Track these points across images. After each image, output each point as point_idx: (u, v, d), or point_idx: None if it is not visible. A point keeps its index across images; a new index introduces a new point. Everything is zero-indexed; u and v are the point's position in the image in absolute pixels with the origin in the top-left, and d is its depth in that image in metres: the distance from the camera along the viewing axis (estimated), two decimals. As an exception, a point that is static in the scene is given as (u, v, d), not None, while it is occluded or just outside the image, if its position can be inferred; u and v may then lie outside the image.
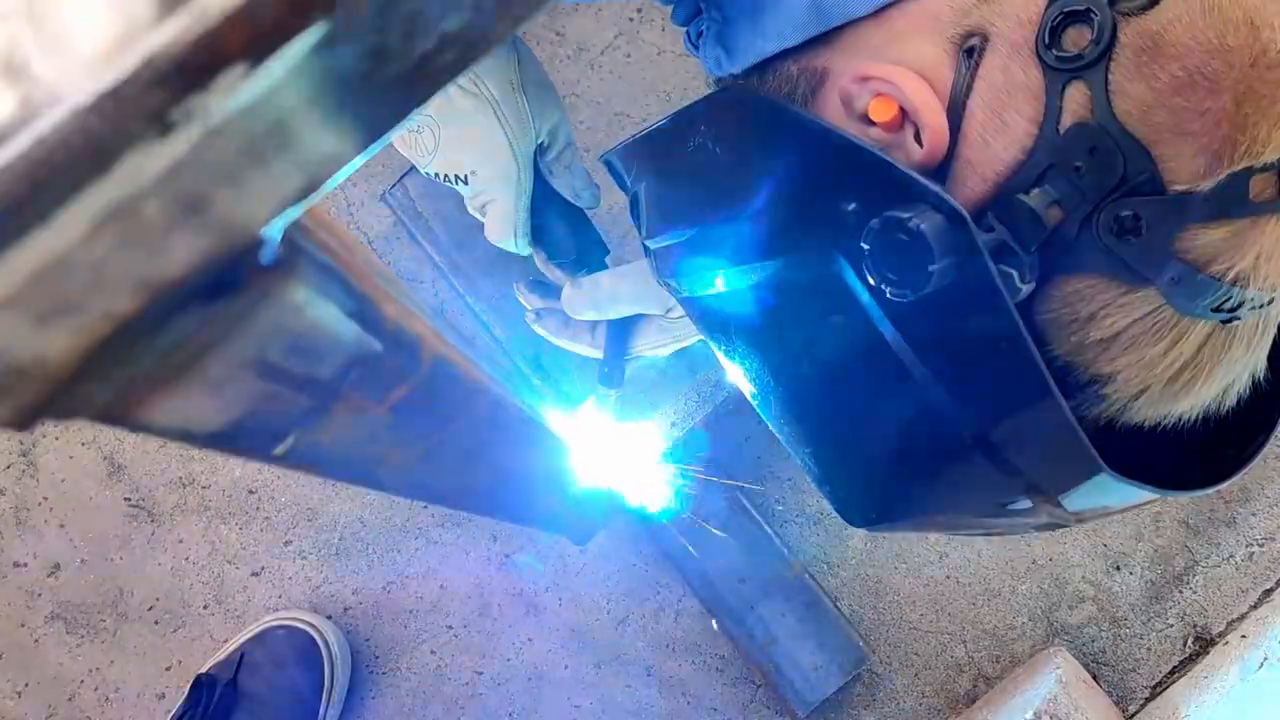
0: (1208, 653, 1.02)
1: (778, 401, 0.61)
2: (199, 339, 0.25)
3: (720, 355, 0.64)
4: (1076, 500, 0.47)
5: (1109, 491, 0.46)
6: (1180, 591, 1.05)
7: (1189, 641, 1.03)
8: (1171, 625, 1.04)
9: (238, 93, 0.20)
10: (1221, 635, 1.03)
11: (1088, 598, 1.06)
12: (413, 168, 1.09)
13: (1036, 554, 1.07)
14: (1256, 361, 0.49)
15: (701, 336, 0.78)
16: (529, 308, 0.93)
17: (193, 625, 1.08)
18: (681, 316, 0.81)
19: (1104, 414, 0.49)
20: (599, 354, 0.88)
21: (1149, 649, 1.04)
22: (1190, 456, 0.53)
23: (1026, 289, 0.46)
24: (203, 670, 1.01)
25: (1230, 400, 0.50)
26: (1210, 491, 0.50)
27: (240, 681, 0.99)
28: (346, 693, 1.05)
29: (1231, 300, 0.44)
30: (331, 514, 1.10)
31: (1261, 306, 0.45)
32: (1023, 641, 1.06)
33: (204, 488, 1.11)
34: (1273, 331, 0.50)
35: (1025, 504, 0.49)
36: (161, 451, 1.12)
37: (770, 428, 0.63)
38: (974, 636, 1.06)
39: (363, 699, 1.07)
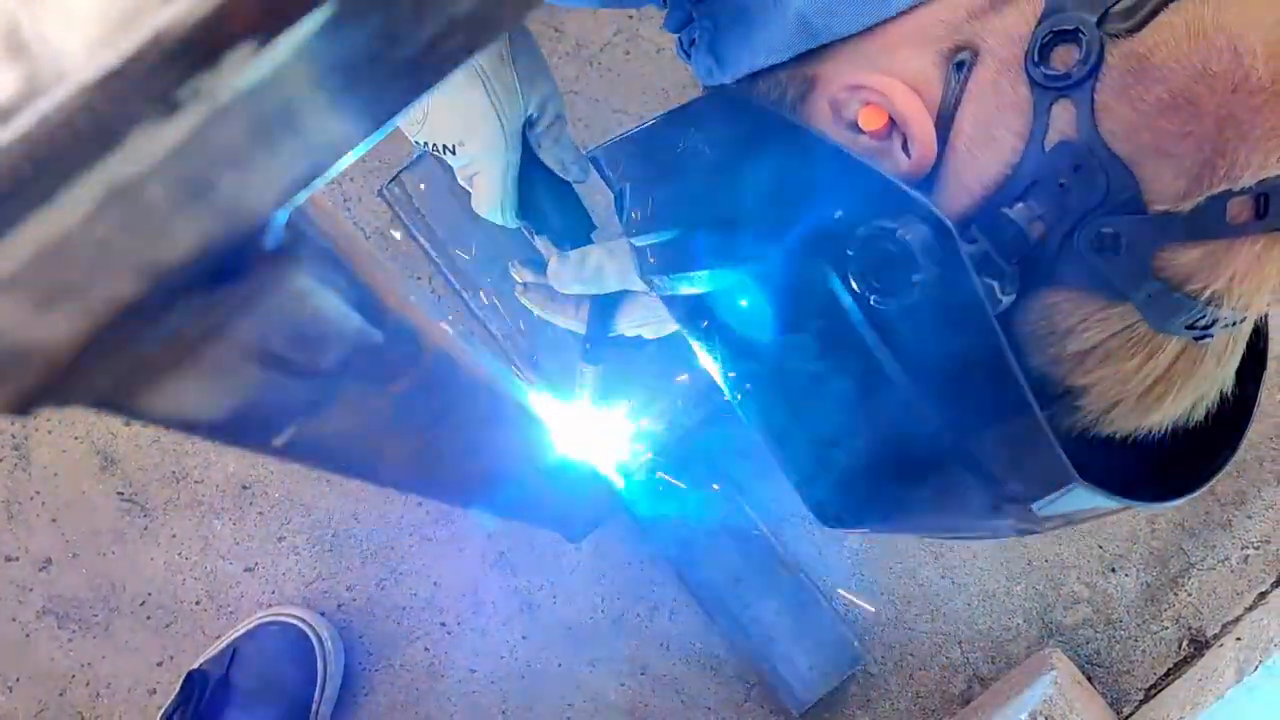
0: (1202, 655, 1.02)
1: (755, 401, 0.61)
2: (201, 325, 0.25)
3: (700, 352, 0.64)
4: (1047, 507, 0.48)
5: (1078, 500, 0.47)
6: (1175, 594, 1.05)
7: (1184, 644, 1.03)
8: (1166, 628, 1.04)
9: (245, 73, 0.20)
10: (1216, 638, 1.03)
11: (1083, 599, 1.06)
12: (410, 163, 1.09)
13: (1032, 555, 1.07)
14: (1225, 377, 0.51)
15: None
16: (519, 281, 0.93)
17: (185, 620, 1.08)
18: None
19: (1077, 425, 0.50)
20: (583, 329, 0.89)
21: (1144, 651, 1.04)
22: (1160, 467, 0.54)
23: (1007, 300, 0.46)
24: (195, 666, 1.00)
25: (1199, 414, 0.51)
26: (1178, 503, 0.51)
27: (232, 677, 0.98)
28: (339, 689, 1.04)
29: (1205, 319, 0.45)
30: (325, 509, 1.10)
31: (1233, 325, 0.47)
32: (1018, 643, 1.06)
33: (197, 482, 1.11)
34: (1242, 348, 0.51)
35: (997, 509, 0.50)
36: (155, 446, 1.11)
37: (746, 424, 0.63)
38: (969, 637, 1.06)
39: (356, 695, 1.06)
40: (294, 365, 0.29)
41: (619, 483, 0.90)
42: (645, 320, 0.86)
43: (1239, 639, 0.98)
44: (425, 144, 0.77)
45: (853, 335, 0.48)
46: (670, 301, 0.65)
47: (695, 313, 0.62)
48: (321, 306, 0.28)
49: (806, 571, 1.03)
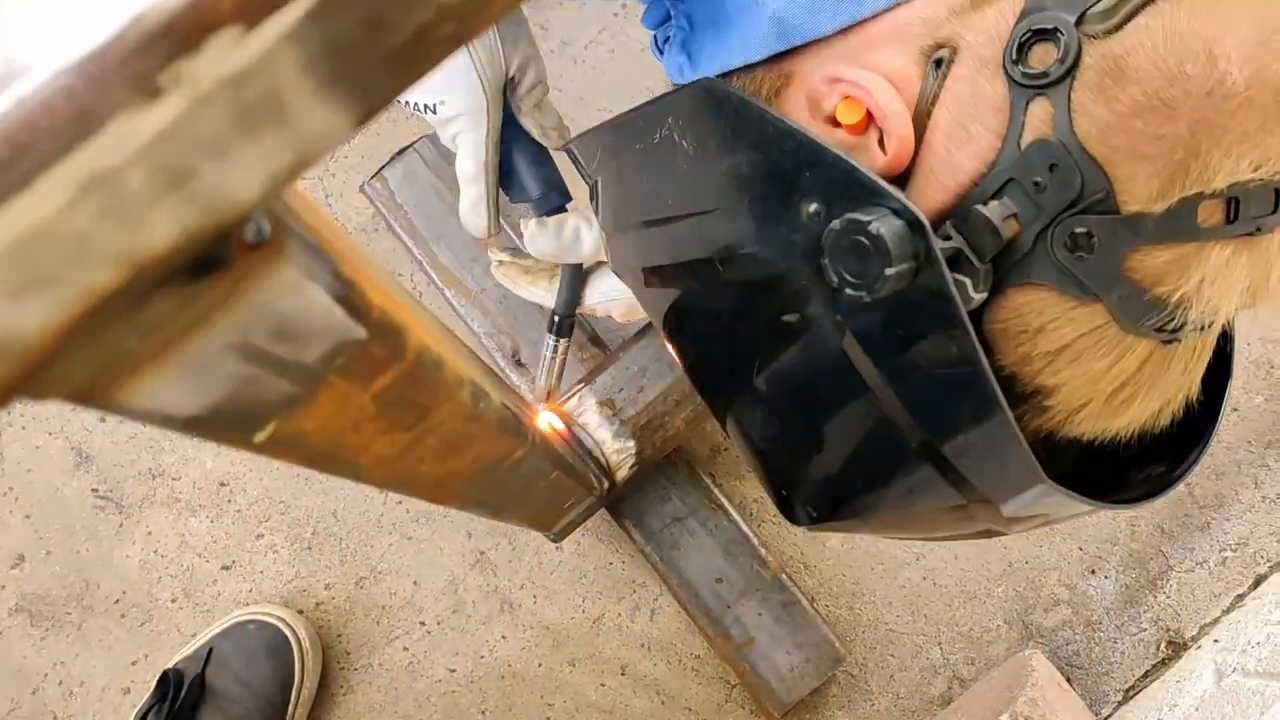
0: (1180, 657, 1.02)
1: (725, 396, 0.62)
2: (182, 318, 0.24)
3: (671, 346, 0.64)
4: (1014, 509, 0.48)
5: (1046, 501, 0.47)
6: (1154, 596, 1.05)
7: (1162, 645, 1.04)
8: (1145, 629, 1.05)
9: (229, 58, 0.19)
10: (1194, 640, 1.03)
11: (1063, 601, 1.06)
12: (392, 158, 1.08)
13: (1013, 557, 1.07)
14: (1191, 383, 0.51)
15: None
16: (494, 258, 0.93)
17: (160, 619, 1.07)
18: None
19: (1045, 426, 0.50)
20: (552, 303, 0.89)
21: (1123, 653, 1.04)
22: (1126, 472, 0.54)
23: (979, 298, 0.47)
24: (170, 665, 0.99)
25: (1165, 419, 0.51)
26: (1145, 505, 0.51)
27: (208, 676, 0.97)
28: (317, 689, 1.03)
29: (1174, 321, 0.45)
30: (304, 507, 1.09)
31: (1201, 329, 0.46)
32: (998, 644, 1.06)
33: (174, 479, 1.09)
34: (1208, 354, 0.51)
35: (964, 510, 0.50)
36: (131, 442, 1.10)
37: (715, 419, 0.64)
38: (949, 638, 1.06)
39: (333, 695, 1.05)
40: (276, 360, 0.29)
41: (601, 479, 0.89)
42: (617, 294, 0.86)
43: (1217, 641, 0.99)
44: (407, 103, 0.77)
45: (823, 330, 0.48)
46: (643, 294, 0.65)
47: (669, 306, 0.62)
48: (305, 300, 0.28)
49: (788, 572, 1.03)
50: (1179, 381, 0.50)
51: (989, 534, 0.54)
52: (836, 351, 0.48)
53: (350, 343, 0.31)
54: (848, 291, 0.45)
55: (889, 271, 0.42)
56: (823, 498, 0.58)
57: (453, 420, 0.44)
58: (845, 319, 0.47)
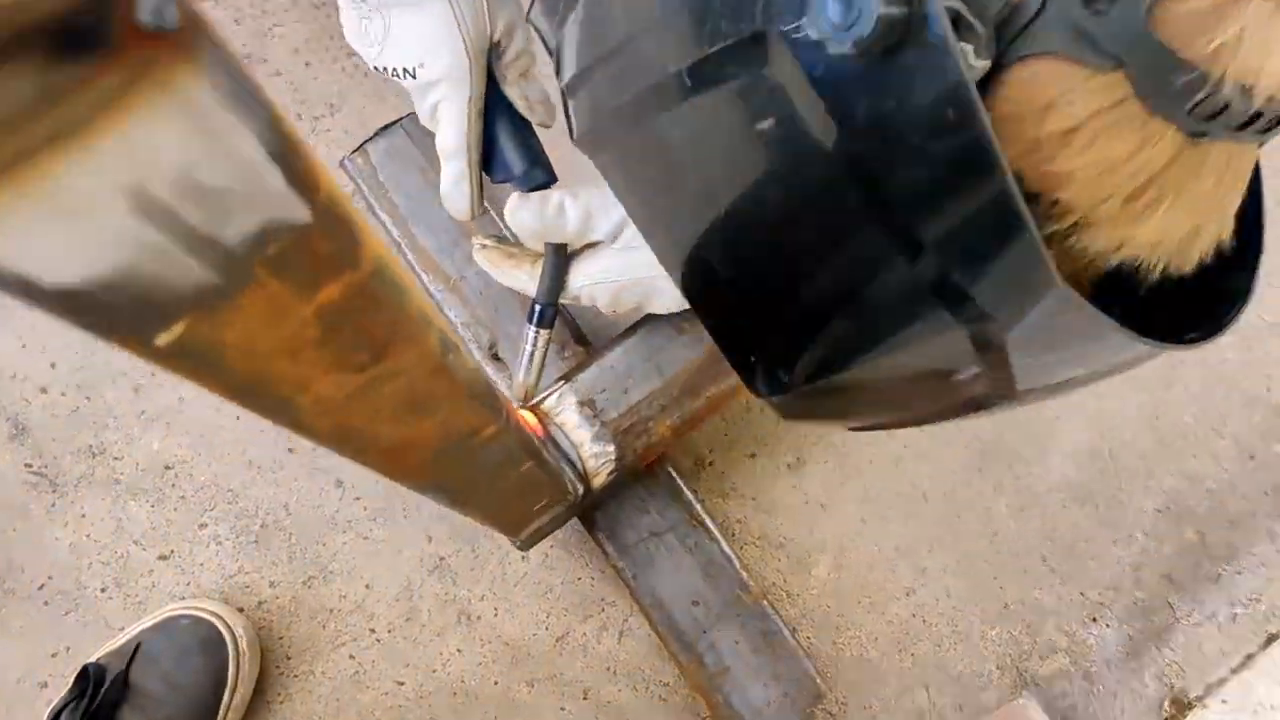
0: (1185, 717, 0.96)
1: (688, 245, 0.56)
2: (40, 122, 0.17)
3: (633, 208, 0.60)
4: (1020, 339, 0.42)
5: (1061, 333, 0.41)
6: (1159, 649, 0.99)
7: (1165, 704, 0.97)
8: (1148, 685, 0.98)
9: None
10: (1200, 699, 0.97)
11: (1061, 649, 0.99)
12: (375, 134, 1.02)
13: (1009, 598, 1.00)
14: (1224, 211, 0.45)
15: (644, 274, 0.76)
16: (476, 242, 0.87)
17: (87, 609, 0.98)
18: (626, 248, 0.76)
19: (1060, 229, 0.44)
20: (534, 291, 0.83)
21: (1122, 709, 0.98)
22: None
23: (981, 65, 0.41)
24: (92, 659, 0.91)
25: (1194, 254, 0.45)
26: (1173, 347, 0.44)
27: (133, 674, 0.89)
28: (251, 694, 0.95)
29: (1205, 95, 0.39)
30: (254, 498, 1.01)
31: (1239, 128, 0.40)
32: (989, 690, 0.99)
33: (116, 459, 1.01)
34: (1242, 186, 0.45)
35: (963, 350, 0.44)
36: (73, 415, 1.02)
37: (678, 285, 0.59)
38: (938, 681, 0.99)
39: (269, 702, 0.97)
40: (185, 227, 0.22)
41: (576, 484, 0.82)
42: (602, 277, 0.80)
43: (1225, 701, 0.92)
44: (385, 68, 0.71)
45: (802, 123, 0.42)
46: (608, 163, 0.61)
47: (632, 168, 0.57)
48: (226, 143, 0.21)
49: (771, 599, 0.96)
50: (1210, 199, 0.43)
51: (987, 405, 0.47)
52: (815, 150, 0.42)
53: (288, 225, 0.25)
54: (831, 49, 0.39)
55: (879, 12, 0.36)
56: (797, 353, 0.52)
57: (417, 369, 0.37)
58: (831, 99, 0.40)
